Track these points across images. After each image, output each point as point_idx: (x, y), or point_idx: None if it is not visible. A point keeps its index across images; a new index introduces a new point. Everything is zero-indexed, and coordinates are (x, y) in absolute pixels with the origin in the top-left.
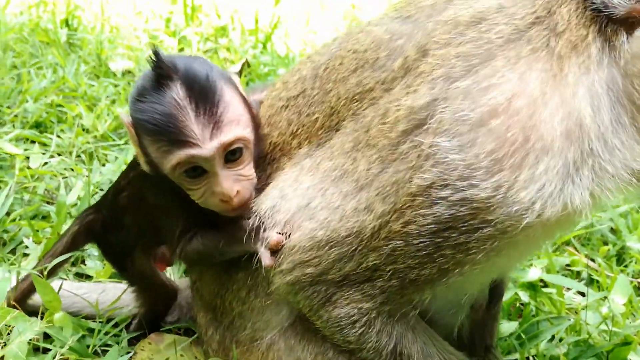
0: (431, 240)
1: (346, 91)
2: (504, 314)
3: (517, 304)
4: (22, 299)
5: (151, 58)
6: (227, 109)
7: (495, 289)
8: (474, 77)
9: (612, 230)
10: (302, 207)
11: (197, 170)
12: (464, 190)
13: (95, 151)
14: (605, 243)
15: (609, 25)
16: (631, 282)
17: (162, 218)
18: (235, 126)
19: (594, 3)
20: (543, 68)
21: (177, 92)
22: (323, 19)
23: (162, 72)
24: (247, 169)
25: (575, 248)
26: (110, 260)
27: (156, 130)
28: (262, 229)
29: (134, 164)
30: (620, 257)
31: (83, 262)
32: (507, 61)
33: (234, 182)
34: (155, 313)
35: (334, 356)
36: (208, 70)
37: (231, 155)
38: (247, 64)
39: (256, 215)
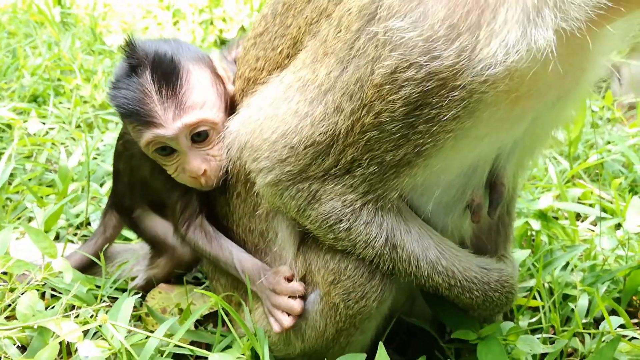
0: (404, 122)
1: (304, 20)
2: (515, 243)
3: (529, 233)
4: None
5: (123, 48)
6: (191, 91)
7: (493, 192)
8: None
9: (624, 165)
10: (271, 115)
11: (167, 149)
12: (427, 64)
13: (94, 120)
14: (617, 177)
15: None
16: None
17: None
18: (200, 109)
19: None
20: None
21: (144, 78)
22: None
23: (132, 62)
24: (216, 149)
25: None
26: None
27: (127, 114)
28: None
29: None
30: (633, 189)
31: (89, 224)
32: None
33: (201, 162)
34: (169, 277)
35: (349, 263)
36: (176, 54)
37: (197, 136)
38: (242, 29)
39: (228, 132)
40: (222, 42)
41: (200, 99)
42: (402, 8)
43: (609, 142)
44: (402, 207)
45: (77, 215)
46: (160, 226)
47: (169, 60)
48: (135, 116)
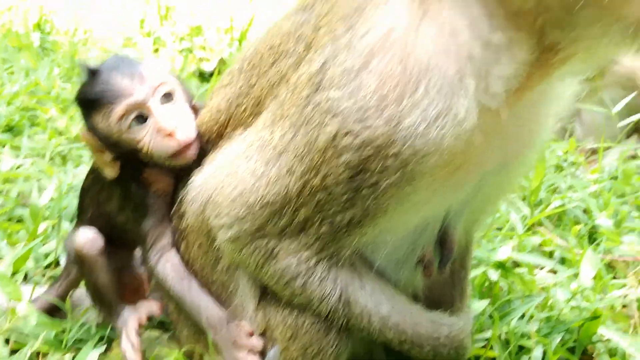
0: (349, 186)
1: (267, 81)
2: (474, 292)
3: (487, 283)
4: None
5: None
6: (150, 66)
7: (444, 249)
8: (352, 31)
9: (584, 211)
10: (232, 172)
11: (140, 119)
12: (362, 132)
13: (68, 153)
14: (577, 223)
15: None
16: (602, 259)
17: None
18: (159, 74)
19: None
20: None
21: (106, 72)
22: None
23: (91, 70)
24: (184, 108)
25: (547, 229)
26: None
27: (97, 100)
28: None
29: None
30: (592, 236)
31: (58, 264)
32: (376, 7)
33: (171, 118)
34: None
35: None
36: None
37: (164, 99)
38: (222, 61)
39: (193, 186)
40: (201, 74)
41: (158, 68)
42: (342, 80)
43: (570, 187)
44: (357, 262)
45: (47, 255)
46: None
47: (127, 57)
48: (105, 97)
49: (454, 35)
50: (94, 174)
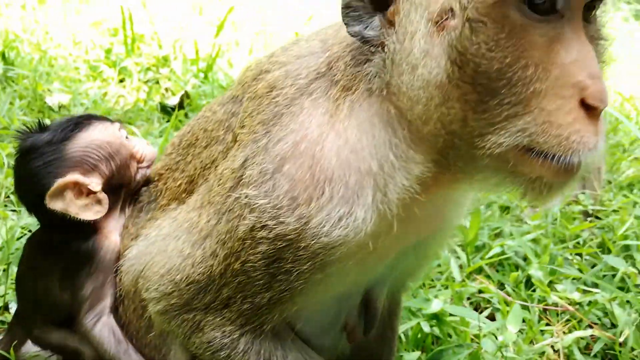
0: (266, 272)
1: (200, 162)
2: (407, 345)
3: (420, 335)
4: None
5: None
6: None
7: (368, 314)
8: (270, 135)
9: (524, 257)
10: (162, 250)
11: None
12: (276, 227)
13: None
14: (517, 269)
15: (374, 61)
16: (537, 307)
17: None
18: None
19: (356, 37)
20: (322, 112)
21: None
22: (267, 46)
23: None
24: None
25: (488, 275)
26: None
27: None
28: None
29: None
30: (529, 282)
31: (7, 308)
32: (292, 116)
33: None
34: None
35: None
36: None
37: None
38: (186, 95)
39: (127, 259)
40: (163, 108)
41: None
42: (258, 179)
43: (511, 234)
44: (280, 332)
45: None
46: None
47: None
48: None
49: (355, 152)
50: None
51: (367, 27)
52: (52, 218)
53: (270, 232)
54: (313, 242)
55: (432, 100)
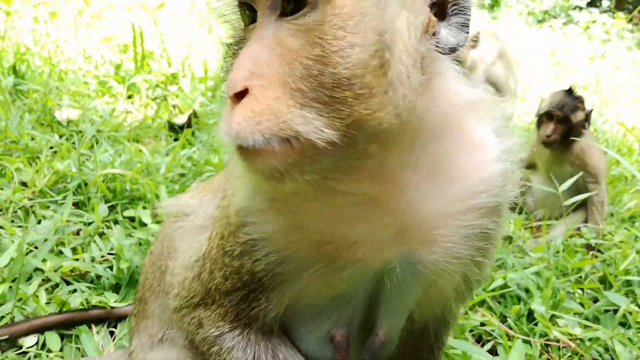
0: (217, 251)
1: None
2: None
3: None
4: None
5: None
6: None
7: (369, 339)
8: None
9: (526, 290)
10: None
11: None
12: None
13: (31, 208)
14: (519, 301)
15: None
16: (539, 342)
17: None
18: None
19: None
20: None
21: None
22: None
23: None
24: None
25: (490, 307)
26: None
27: None
28: None
29: None
30: (531, 315)
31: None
32: None
33: None
34: None
35: None
36: None
37: None
38: (194, 114)
39: None
40: (171, 126)
41: None
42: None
43: (513, 266)
44: (272, 333)
45: (2, 318)
46: None
47: None
48: None
49: None
50: None
51: None
52: None
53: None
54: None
55: None
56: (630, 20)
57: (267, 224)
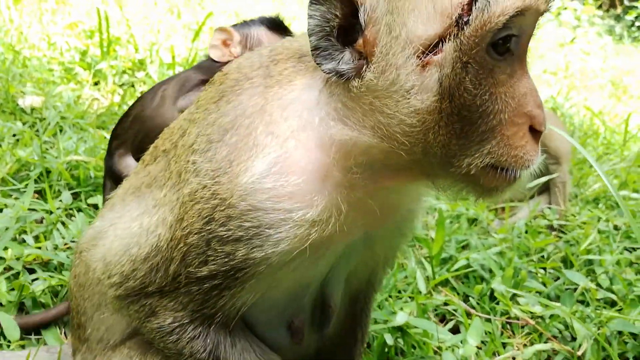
0: (200, 236)
1: (173, 147)
2: (372, 357)
3: (386, 349)
4: None
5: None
6: None
7: (322, 313)
8: (216, 111)
9: (490, 270)
10: (119, 227)
11: None
12: (212, 186)
13: None
14: (482, 281)
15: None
16: (499, 320)
17: None
18: None
19: (331, 73)
20: (258, 92)
21: None
22: None
23: None
24: None
25: (453, 287)
26: None
27: None
28: None
29: None
30: (493, 295)
31: None
32: (234, 95)
33: None
34: None
35: None
36: None
37: None
38: None
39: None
40: None
41: None
42: (205, 147)
43: (476, 247)
44: (232, 323)
45: None
46: None
47: None
48: None
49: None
50: None
51: (339, 62)
52: None
53: (208, 190)
54: (240, 200)
55: (419, 126)
56: (600, 6)
57: (308, 210)
